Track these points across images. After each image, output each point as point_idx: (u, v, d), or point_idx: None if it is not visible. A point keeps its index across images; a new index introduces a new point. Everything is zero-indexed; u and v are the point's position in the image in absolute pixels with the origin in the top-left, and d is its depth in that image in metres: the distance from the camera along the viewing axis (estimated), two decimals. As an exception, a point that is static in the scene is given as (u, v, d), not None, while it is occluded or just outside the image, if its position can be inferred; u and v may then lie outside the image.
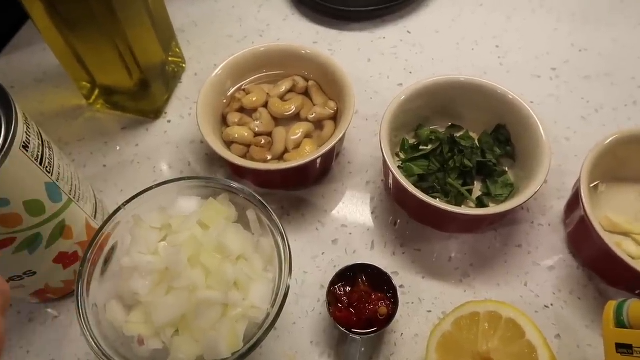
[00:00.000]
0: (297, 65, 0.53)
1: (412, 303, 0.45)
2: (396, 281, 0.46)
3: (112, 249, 0.41)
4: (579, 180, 0.44)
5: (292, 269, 0.43)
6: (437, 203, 0.42)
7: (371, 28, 0.64)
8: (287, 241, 0.39)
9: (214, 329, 0.36)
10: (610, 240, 0.40)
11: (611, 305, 0.38)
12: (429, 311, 0.44)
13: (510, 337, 0.36)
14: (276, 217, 0.40)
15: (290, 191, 0.51)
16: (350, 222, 0.49)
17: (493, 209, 0.43)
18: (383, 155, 0.45)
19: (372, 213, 0.50)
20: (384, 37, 0.63)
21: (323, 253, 0.47)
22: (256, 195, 0.41)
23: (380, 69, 0.60)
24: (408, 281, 0.46)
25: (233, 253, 0.39)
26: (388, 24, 0.64)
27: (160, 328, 0.36)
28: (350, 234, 0.49)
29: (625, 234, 0.46)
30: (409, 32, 0.63)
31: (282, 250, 0.39)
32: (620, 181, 0.49)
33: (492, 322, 0.37)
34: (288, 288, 0.37)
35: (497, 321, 0.37)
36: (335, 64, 0.50)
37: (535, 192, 0.43)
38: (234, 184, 0.42)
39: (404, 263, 0.47)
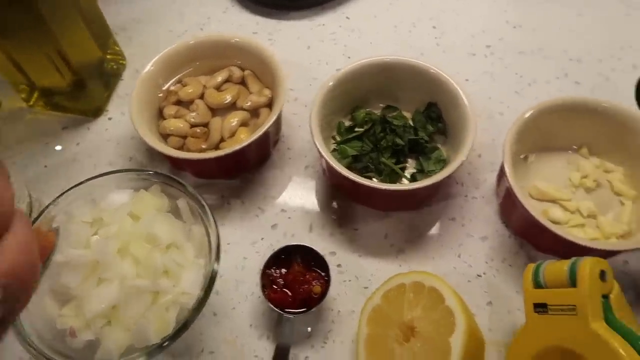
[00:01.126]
0: (231, 55, 0.53)
1: (349, 281, 0.46)
2: (334, 261, 0.47)
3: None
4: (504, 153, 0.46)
5: (232, 255, 0.44)
6: (365, 181, 0.43)
7: (311, 16, 0.65)
8: (217, 227, 0.40)
9: (143, 316, 0.37)
10: (533, 208, 0.42)
11: (530, 268, 0.39)
12: (366, 287, 0.45)
13: (432, 304, 0.37)
14: (206, 204, 0.41)
15: (230, 180, 0.52)
16: (289, 206, 0.50)
17: (419, 182, 0.44)
18: (313, 140, 0.46)
19: (310, 196, 0.51)
20: (323, 24, 0.64)
21: (262, 238, 0.48)
22: (185, 184, 0.42)
23: (319, 55, 0.61)
24: (345, 260, 0.47)
25: (163, 242, 0.40)
26: (327, 10, 0.65)
27: (91, 319, 0.37)
28: (290, 218, 0.49)
29: (553, 201, 0.48)
30: (347, 17, 0.64)
31: (211, 237, 0.40)
32: (549, 151, 0.50)
33: (416, 292, 0.38)
34: (215, 273, 0.38)
35: (420, 290, 0.38)
36: (266, 50, 0.51)
37: (461, 164, 0.44)
38: (165, 174, 0.42)
39: (342, 243, 0.48)
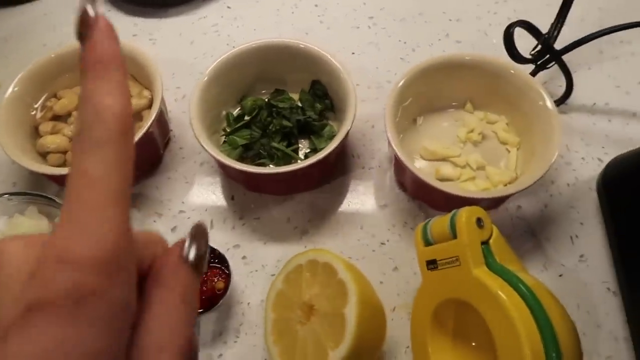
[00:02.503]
0: (104, 62, 0.51)
1: (256, 271, 0.46)
2: (238, 253, 0.46)
3: None
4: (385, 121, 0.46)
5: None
6: (256, 169, 0.43)
7: (191, 10, 0.63)
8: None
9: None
10: (420, 170, 0.43)
11: (419, 228, 0.40)
12: (273, 275, 0.45)
13: (327, 280, 0.37)
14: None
15: (123, 189, 0.50)
16: (188, 206, 0.49)
17: (308, 159, 0.43)
18: (197, 139, 0.44)
19: (208, 193, 0.50)
20: (205, 17, 0.62)
21: (163, 243, 0.47)
22: (59, 201, 0.40)
23: (203, 49, 0.59)
24: (250, 251, 0.46)
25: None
26: (208, 2, 0.64)
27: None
28: (189, 217, 0.48)
29: (444, 159, 0.49)
30: (228, 7, 0.63)
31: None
32: (435, 111, 0.51)
33: (312, 270, 0.38)
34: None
35: (315, 268, 0.38)
36: (136, 50, 0.49)
37: (346, 134, 0.44)
38: (37, 193, 0.40)
39: (245, 234, 0.47)
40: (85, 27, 0.18)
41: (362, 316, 0.34)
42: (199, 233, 0.21)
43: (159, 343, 0.18)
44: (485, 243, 0.36)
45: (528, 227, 0.47)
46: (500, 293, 0.32)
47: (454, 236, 0.36)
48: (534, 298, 0.32)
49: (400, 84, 0.46)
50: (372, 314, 0.36)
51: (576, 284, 0.44)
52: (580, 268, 0.45)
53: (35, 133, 0.49)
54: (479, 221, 0.36)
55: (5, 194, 0.41)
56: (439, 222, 0.38)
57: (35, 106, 0.49)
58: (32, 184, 0.50)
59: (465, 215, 0.35)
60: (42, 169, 0.43)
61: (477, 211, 0.36)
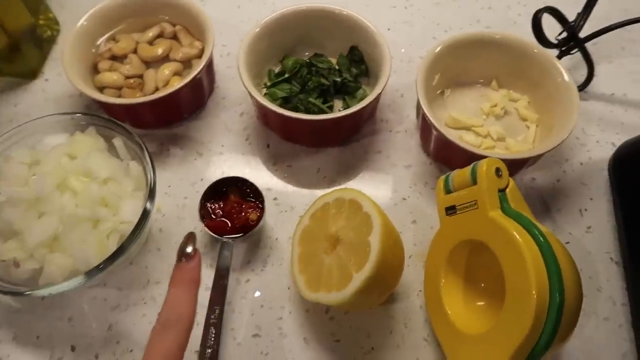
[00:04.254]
0: (162, 12, 0.56)
1: (286, 211, 0.49)
2: (270, 195, 0.50)
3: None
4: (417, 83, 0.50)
5: (173, 196, 0.46)
6: (292, 114, 0.46)
7: (241, -23, 0.67)
8: (152, 161, 0.43)
9: (84, 242, 0.39)
10: (444, 129, 0.46)
11: (441, 179, 0.43)
12: (301, 216, 0.49)
13: (352, 214, 0.41)
14: (140, 140, 0.43)
15: (168, 129, 0.54)
16: (226, 150, 0.53)
17: (341, 112, 0.47)
18: (243, 83, 0.49)
19: (246, 140, 0.54)
20: (253, -16, 0.66)
21: (202, 179, 0.51)
22: (120, 123, 0.44)
23: (249, 13, 0.64)
24: (281, 193, 0.50)
25: (100, 176, 0.42)
26: (257, -28, 0.68)
27: (34, 249, 0.39)
28: (227, 160, 0.52)
29: (467, 128, 0.52)
30: (275, -22, 0.67)
31: (147, 170, 0.43)
32: (462, 86, 0.55)
33: (338, 207, 0.42)
34: (152, 201, 0.41)
35: (341, 205, 0.42)
36: (191, 2, 0.53)
37: (380, 93, 0.48)
38: (99, 116, 0.44)
39: (277, 179, 0.51)
40: (185, 256, 0.34)
41: (386, 243, 0.38)
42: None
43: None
44: (502, 191, 0.39)
45: (540, 198, 0.50)
46: (514, 233, 0.35)
47: (474, 182, 0.39)
48: (547, 242, 0.35)
49: (438, 49, 0.50)
50: (394, 243, 0.40)
51: (581, 252, 0.48)
52: (586, 238, 0.48)
53: (93, 70, 0.53)
54: (497, 171, 0.39)
55: (70, 113, 0.45)
56: (461, 172, 0.41)
57: (97, 44, 0.54)
58: (85, 117, 0.55)
59: (486, 164, 0.39)
60: (103, 97, 0.48)
61: (497, 162, 0.39)
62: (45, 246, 0.39)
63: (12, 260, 0.39)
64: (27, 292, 0.37)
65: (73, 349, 0.43)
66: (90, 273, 0.37)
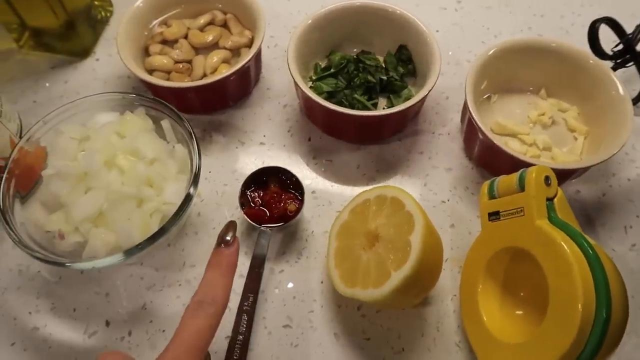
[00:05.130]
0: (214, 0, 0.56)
1: (323, 205, 0.49)
2: (309, 188, 0.50)
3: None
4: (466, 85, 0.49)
5: (213, 182, 0.46)
6: (337, 107, 0.46)
7: (291, -29, 0.67)
8: (198, 145, 0.43)
9: (128, 219, 0.40)
10: (491, 134, 0.45)
11: (486, 184, 0.43)
12: (338, 211, 0.49)
13: (394, 212, 0.40)
14: (188, 124, 0.44)
15: (212, 115, 0.54)
16: (268, 140, 0.53)
17: (386, 110, 0.47)
18: (291, 74, 0.49)
19: (288, 131, 0.54)
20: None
21: (242, 168, 0.51)
22: (169, 106, 0.44)
23: (299, 6, 0.64)
24: (319, 187, 0.50)
25: (147, 156, 0.42)
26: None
27: (79, 223, 0.40)
28: (268, 150, 0.53)
29: (513, 135, 0.51)
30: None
31: (193, 154, 0.43)
32: (510, 92, 0.54)
33: (379, 204, 0.42)
34: (195, 185, 0.41)
35: (383, 202, 0.41)
36: (247, -5, 0.54)
37: (427, 94, 0.48)
38: (150, 97, 0.45)
39: (316, 172, 0.51)
40: (224, 243, 0.34)
41: (427, 243, 0.37)
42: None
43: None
44: (550, 200, 0.38)
45: (584, 211, 0.49)
46: (562, 243, 0.35)
47: (521, 189, 0.39)
48: (595, 254, 0.34)
49: (490, 53, 0.49)
50: (435, 244, 0.39)
51: (624, 270, 0.45)
52: (630, 255, 0.47)
53: (144, 52, 0.54)
54: (546, 179, 0.38)
55: (122, 92, 0.46)
56: (507, 178, 0.41)
57: (150, 27, 0.55)
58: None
59: (535, 171, 0.38)
60: (151, 79, 0.48)
61: (547, 170, 0.39)
62: (91, 221, 0.40)
63: (57, 232, 0.40)
64: (68, 264, 0.38)
65: (107, 324, 0.43)
66: (130, 251, 0.38)
